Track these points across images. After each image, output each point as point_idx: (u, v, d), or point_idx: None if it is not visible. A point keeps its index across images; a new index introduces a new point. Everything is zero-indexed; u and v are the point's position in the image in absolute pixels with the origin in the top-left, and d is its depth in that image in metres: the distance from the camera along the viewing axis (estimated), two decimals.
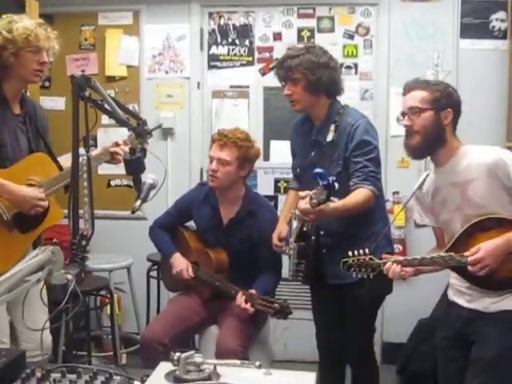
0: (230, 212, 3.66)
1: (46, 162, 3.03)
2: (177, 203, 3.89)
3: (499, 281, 2.61)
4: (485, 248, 2.56)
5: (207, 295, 3.66)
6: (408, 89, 2.78)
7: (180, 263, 3.68)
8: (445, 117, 2.69)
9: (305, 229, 3.20)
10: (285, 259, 3.49)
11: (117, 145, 3.07)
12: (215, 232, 3.68)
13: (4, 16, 2.98)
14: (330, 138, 3.23)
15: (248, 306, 3.35)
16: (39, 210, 2.92)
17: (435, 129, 2.69)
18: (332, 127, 3.23)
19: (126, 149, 2.62)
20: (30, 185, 2.94)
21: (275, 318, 3.34)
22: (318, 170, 2.79)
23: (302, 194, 2.99)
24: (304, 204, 2.90)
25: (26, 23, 2.90)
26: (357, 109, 3.39)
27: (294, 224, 3.23)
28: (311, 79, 3.19)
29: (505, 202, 2.61)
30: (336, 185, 2.79)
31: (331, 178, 2.75)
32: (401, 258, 2.80)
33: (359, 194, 3.10)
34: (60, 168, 3.03)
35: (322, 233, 3.26)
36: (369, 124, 3.26)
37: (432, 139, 2.71)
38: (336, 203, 2.96)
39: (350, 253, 2.82)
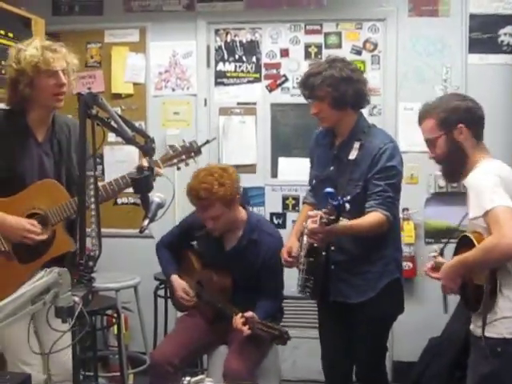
0: (232, 238, 3.63)
1: (54, 189, 2.87)
2: (181, 223, 3.90)
3: (474, 300, 2.56)
4: (442, 269, 2.62)
5: (211, 316, 3.64)
6: (419, 119, 2.75)
7: (178, 285, 3.71)
8: (459, 133, 2.63)
9: (315, 244, 3.13)
10: (292, 274, 3.44)
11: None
12: (218, 257, 3.66)
13: (13, 45, 2.91)
14: (353, 156, 3.16)
15: (245, 328, 3.32)
16: (27, 242, 2.80)
17: (454, 151, 2.65)
18: (356, 145, 3.16)
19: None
20: (33, 214, 2.85)
21: (274, 343, 3.31)
22: (328, 190, 2.76)
23: (311, 213, 2.97)
24: (313, 223, 2.87)
25: (31, 50, 2.80)
26: (384, 130, 3.34)
27: (305, 239, 3.17)
28: (336, 95, 3.11)
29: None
30: (347, 205, 2.75)
31: (342, 199, 2.72)
32: None
33: (373, 218, 3.04)
34: (72, 195, 2.86)
35: (332, 248, 3.20)
36: (396, 149, 3.17)
37: (456, 161, 2.67)
38: (347, 223, 2.91)
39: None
